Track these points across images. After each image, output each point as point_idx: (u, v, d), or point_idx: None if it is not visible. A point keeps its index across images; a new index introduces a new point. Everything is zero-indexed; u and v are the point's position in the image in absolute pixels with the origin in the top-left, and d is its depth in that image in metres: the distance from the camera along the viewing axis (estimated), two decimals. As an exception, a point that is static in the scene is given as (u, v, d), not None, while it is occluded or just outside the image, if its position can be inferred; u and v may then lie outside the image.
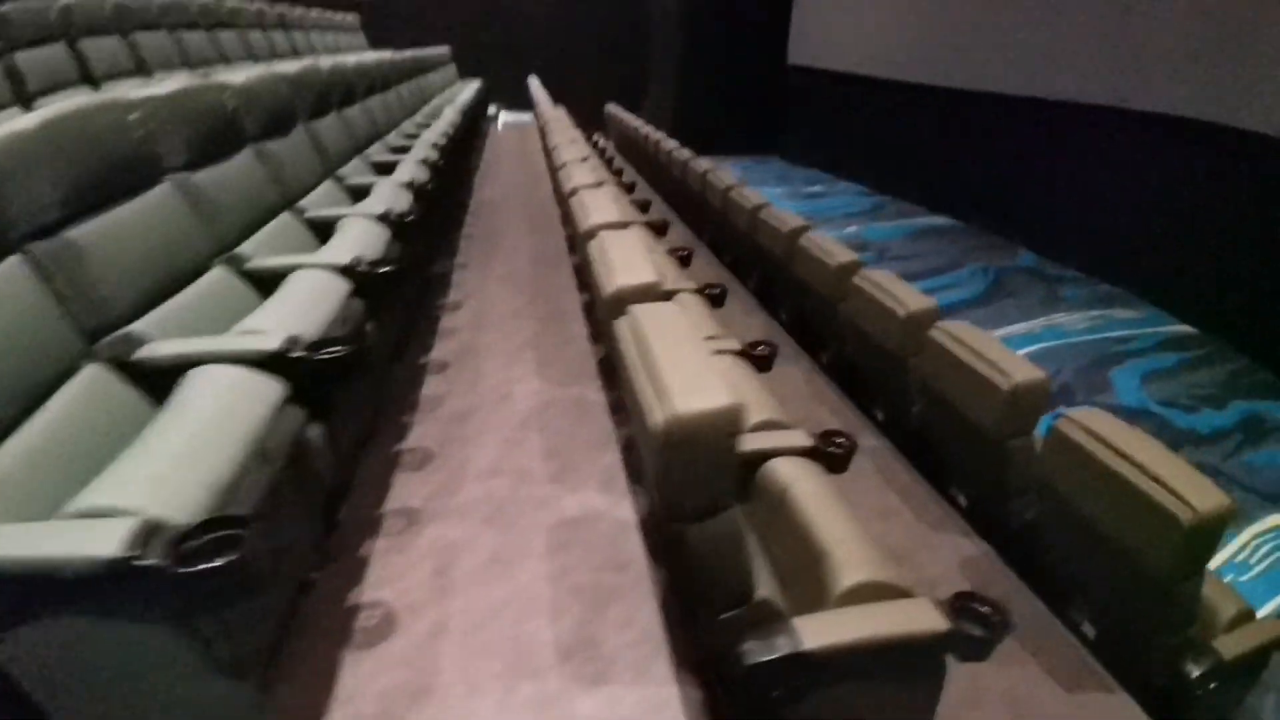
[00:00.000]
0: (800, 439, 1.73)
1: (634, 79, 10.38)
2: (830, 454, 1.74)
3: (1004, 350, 2.05)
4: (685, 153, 5.09)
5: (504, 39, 10.15)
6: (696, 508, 1.07)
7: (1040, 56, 5.51)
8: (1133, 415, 3.57)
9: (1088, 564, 1.79)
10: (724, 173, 4.49)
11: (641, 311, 1.31)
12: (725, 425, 1.02)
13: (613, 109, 7.67)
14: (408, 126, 4.23)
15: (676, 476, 1.03)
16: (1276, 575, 2.68)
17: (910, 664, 1.24)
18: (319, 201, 2.53)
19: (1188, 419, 3.54)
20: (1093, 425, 1.68)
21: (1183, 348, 4.30)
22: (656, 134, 5.93)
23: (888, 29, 7.40)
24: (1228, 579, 2.65)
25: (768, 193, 8.20)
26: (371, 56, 4.12)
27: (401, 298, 2.34)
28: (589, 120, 9.39)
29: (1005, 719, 1.66)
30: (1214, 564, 2.73)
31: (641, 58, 10.24)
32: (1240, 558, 2.75)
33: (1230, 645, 1.64)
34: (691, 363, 1.11)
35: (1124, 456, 1.58)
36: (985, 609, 1.25)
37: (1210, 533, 1.46)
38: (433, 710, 1.29)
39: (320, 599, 1.55)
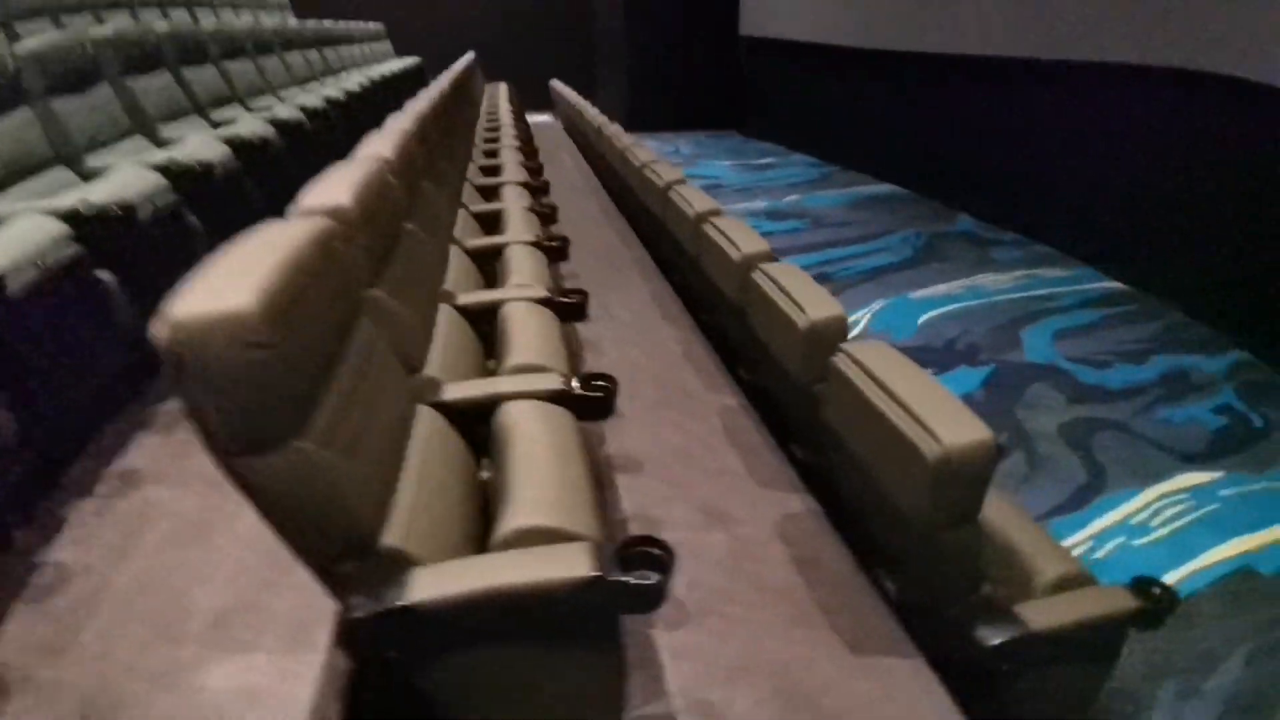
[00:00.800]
0: (550, 382, 1.57)
1: (589, 58, 10.17)
2: (582, 397, 1.58)
3: (812, 289, 1.88)
4: (601, 119, 4.90)
5: (456, 22, 9.95)
6: (237, 437, 0.90)
7: (974, 9, 5.28)
8: (1038, 372, 3.39)
9: (872, 512, 1.62)
10: (625, 137, 4.30)
11: (265, 228, 1.13)
12: (238, 333, 0.84)
13: (557, 85, 7.46)
14: (293, 92, 4.05)
15: (192, 395, 0.86)
16: (1182, 540, 2.43)
17: (562, 619, 1.07)
18: (123, 153, 2.38)
19: (1097, 375, 3.34)
20: (863, 358, 1.50)
21: (1109, 304, 4.09)
22: (584, 104, 5.73)
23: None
24: (1116, 542, 2.45)
25: (717, 166, 8.05)
26: (245, 22, 3.94)
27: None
28: (543, 101, 9.20)
29: (768, 688, 1.49)
30: (1103, 524, 2.54)
31: (591, 36, 10.03)
32: (1139, 519, 2.53)
33: (1043, 614, 1.36)
34: (235, 269, 0.94)
35: (885, 390, 1.40)
36: (657, 552, 1.09)
37: (966, 471, 1.28)
38: (60, 670, 1.14)
39: (13, 555, 1.40)
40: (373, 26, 7.44)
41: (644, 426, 2.43)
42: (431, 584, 1.00)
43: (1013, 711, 1.51)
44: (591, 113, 5.24)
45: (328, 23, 5.45)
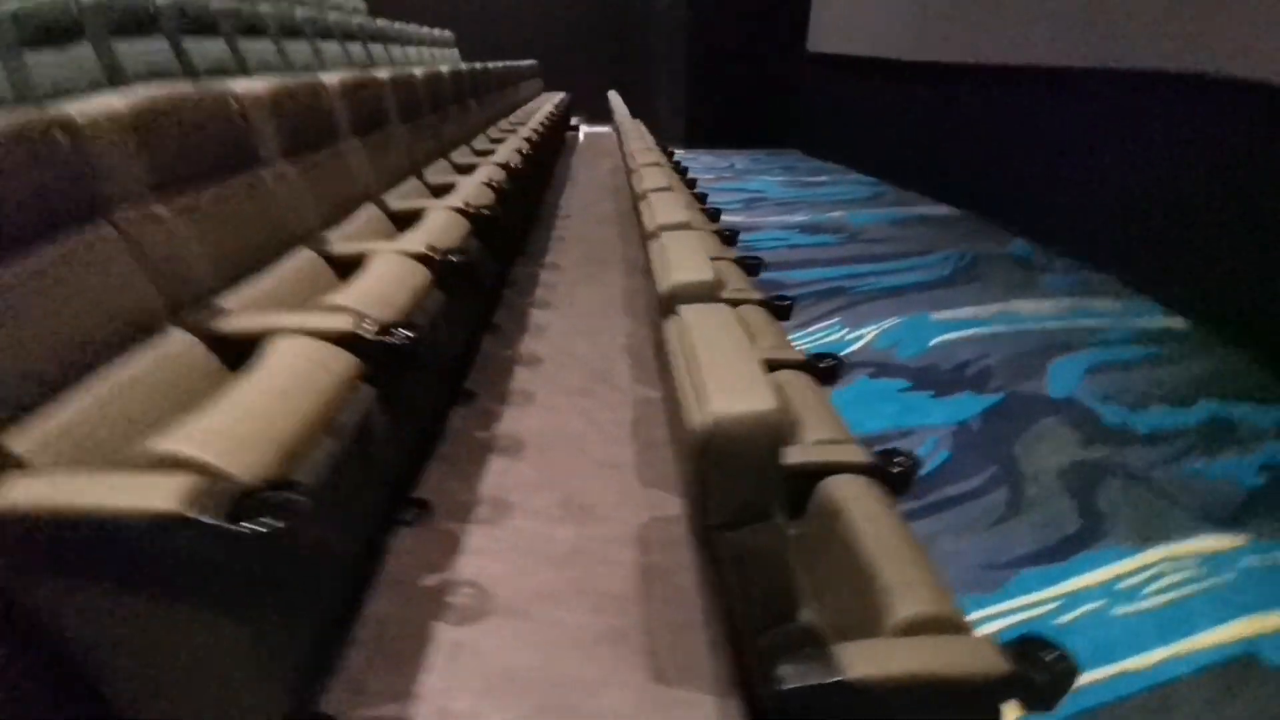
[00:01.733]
0: (339, 323, 1.38)
1: (653, 73, 10.04)
2: (372, 343, 1.38)
3: (695, 257, 1.62)
4: (630, 125, 4.76)
5: (531, 36, 10.08)
6: None
7: (1039, 15, 4.80)
8: (1054, 406, 2.91)
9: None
10: (638, 140, 4.13)
11: None
12: None
13: (612, 96, 7.42)
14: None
15: None
16: (1177, 613, 1.93)
17: (167, 566, 0.88)
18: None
19: (1124, 415, 2.83)
20: (689, 319, 1.24)
21: (1162, 341, 3.51)
22: (620, 110, 5.63)
23: (900, 3, 6.77)
24: (1093, 606, 1.99)
25: (765, 181, 7.74)
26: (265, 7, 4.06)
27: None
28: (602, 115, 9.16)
29: (528, 707, 1.23)
30: (1082, 583, 2.09)
31: (652, 50, 9.89)
32: (1130, 582, 2.05)
33: (870, 659, 0.99)
34: None
35: (689, 354, 1.13)
36: (298, 499, 0.88)
37: (741, 450, 0.99)
38: None
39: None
40: (439, 33, 7.66)
41: (548, 411, 2.21)
42: (17, 490, 0.83)
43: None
44: (620, 115, 5.13)
45: (381, 21, 5.60)
